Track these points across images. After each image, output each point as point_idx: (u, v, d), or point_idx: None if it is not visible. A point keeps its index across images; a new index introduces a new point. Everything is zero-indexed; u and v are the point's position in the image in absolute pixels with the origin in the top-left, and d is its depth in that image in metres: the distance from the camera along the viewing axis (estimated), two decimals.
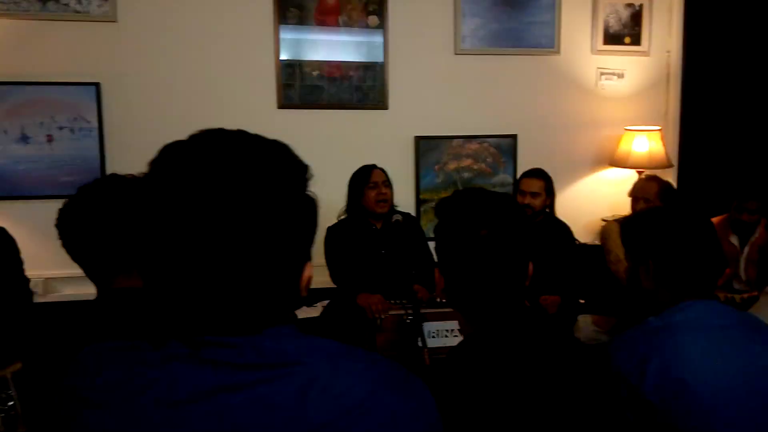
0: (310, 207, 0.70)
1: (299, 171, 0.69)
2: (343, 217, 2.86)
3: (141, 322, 0.88)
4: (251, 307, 0.65)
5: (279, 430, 0.62)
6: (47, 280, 3.08)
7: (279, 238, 0.65)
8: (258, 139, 0.68)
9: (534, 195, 2.91)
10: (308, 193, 0.70)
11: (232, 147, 0.65)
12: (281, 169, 0.66)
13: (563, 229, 3.02)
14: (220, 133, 0.67)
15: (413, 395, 0.70)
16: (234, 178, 0.63)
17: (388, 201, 2.79)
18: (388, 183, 2.81)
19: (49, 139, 3.08)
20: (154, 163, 0.66)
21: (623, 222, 1.51)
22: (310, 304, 3.14)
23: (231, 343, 0.64)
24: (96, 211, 1.15)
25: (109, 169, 3.11)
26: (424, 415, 0.69)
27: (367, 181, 2.76)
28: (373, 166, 2.82)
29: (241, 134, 0.68)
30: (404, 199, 3.30)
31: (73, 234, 1.17)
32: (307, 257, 0.71)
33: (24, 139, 3.06)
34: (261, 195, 0.63)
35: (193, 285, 0.63)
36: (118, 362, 0.67)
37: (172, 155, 0.65)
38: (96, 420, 0.64)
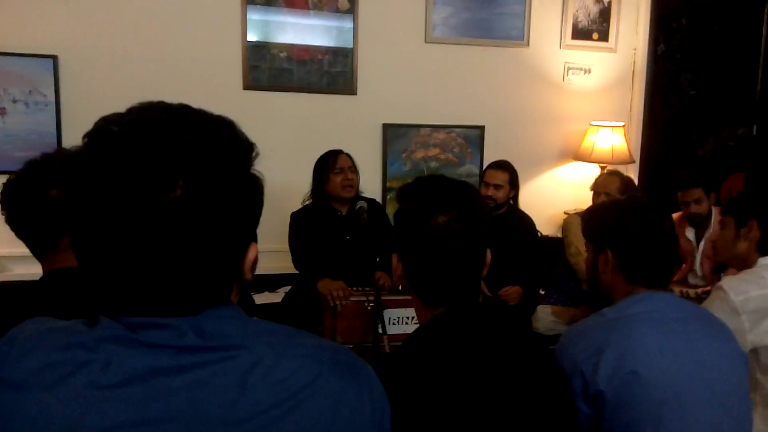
0: (254, 186, 0.67)
1: (244, 148, 0.66)
2: (308, 202, 2.82)
3: (82, 303, 0.85)
4: (190, 287, 0.62)
5: (219, 415, 0.60)
6: None
7: (220, 217, 0.62)
8: (201, 113, 0.65)
9: (497, 187, 2.92)
10: (253, 171, 0.67)
11: (172, 121, 0.62)
12: (224, 145, 0.63)
13: (526, 221, 3.04)
14: (160, 106, 0.64)
15: (360, 381, 0.68)
16: (173, 154, 0.59)
17: (354, 186, 2.76)
18: (354, 169, 2.78)
19: (2, 112, 2.96)
20: (89, 136, 0.62)
21: (584, 212, 1.52)
22: (272, 290, 3.10)
23: (169, 325, 0.61)
24: (39, 186, 1.10)
25: (67, 145, 3.00)
26: (370, 402, 0.68)
27: (332, 167, 2.73)
28: (339, 152, 2.78)
29: (182, 108, 0.65)
30: (371, 187, 3.28)
31: (15, 208, 1.12)
32: (252, 238, 0.68)
33: None
34: (201, 172, 0.60)
35: (128, 264, 0.60)
36: (49, 343, 0.63)
37: (107, 128, 0.61)
38: (19, 403, 0.60)
